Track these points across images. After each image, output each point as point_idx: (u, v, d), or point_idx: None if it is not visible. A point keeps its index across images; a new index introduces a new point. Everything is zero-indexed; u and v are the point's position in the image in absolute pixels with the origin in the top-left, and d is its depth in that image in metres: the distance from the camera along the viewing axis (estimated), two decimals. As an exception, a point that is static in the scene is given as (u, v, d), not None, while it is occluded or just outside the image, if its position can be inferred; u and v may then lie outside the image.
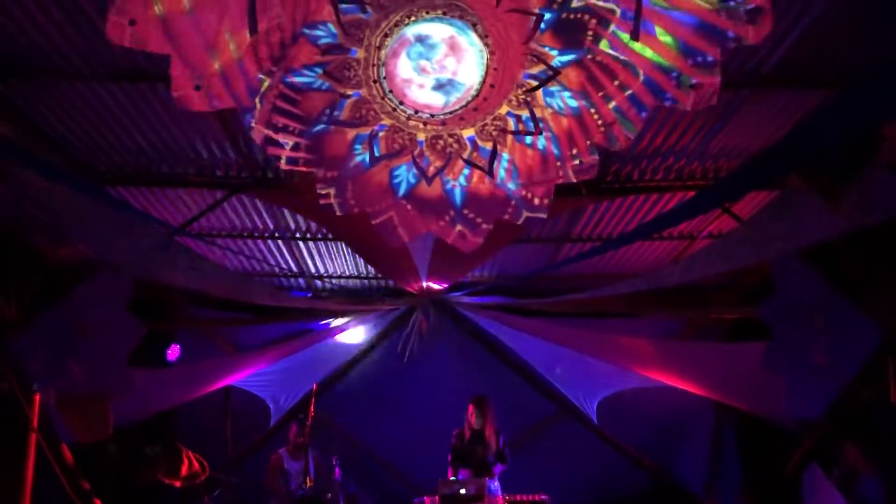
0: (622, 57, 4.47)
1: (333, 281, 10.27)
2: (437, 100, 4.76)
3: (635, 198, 7.77)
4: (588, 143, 4.90)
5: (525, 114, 4.82)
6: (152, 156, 6.96)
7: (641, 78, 4.50)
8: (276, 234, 8.82)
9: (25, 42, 5.26)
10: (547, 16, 4.31)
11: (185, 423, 9.87)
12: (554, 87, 4.72)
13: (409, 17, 4.37)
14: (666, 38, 4.29)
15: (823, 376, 5.99)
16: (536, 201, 5.25)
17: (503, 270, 10.05)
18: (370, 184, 5.22)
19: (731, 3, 4.06)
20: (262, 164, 6.99)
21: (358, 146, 5.02)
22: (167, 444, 8.62)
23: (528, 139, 4.99)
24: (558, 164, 5.04)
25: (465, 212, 5.31)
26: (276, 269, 9.85)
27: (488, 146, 4.97)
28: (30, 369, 6.42)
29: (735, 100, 6.06)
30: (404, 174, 5.16)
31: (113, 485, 8.36)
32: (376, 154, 4.97)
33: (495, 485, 7.98)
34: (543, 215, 5.34)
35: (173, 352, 9.56)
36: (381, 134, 4.93)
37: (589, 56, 4.53)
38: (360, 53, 4.50)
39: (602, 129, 4.80)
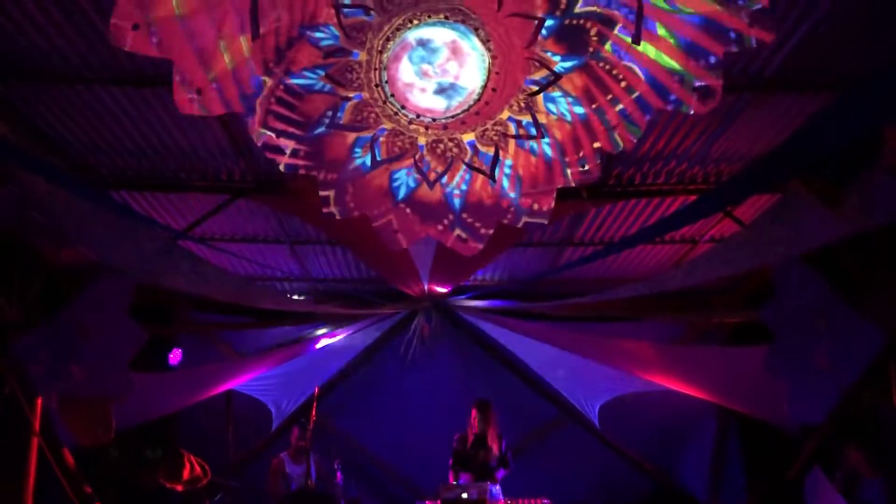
0: (625, 62, 4.47)
1: (335, 285, 10.28)
2: (438, 104, 4.75)
3: (637, 201, 7.77)
4: (590, 148, 4.89)
5: (526, 119, 4.82)
6: (155, 160, 6.97)
7: (644, 81, 4.49)
8: (279, 239, 8.84)
9: (25, 43, 5.27)
10: (549, 22, 4.31)
11: (187, 426, 9.88)
12: (555, 93, 4.72)
13: (411, 21, 4.37)
14: (669, 41, 4.29)
15: (825, 380, 5.99)
16: (537, 207, 5.24)
17: (505, 274, 10.06)
18: (370, 187, 5.21)
19: (739, 2, 4.04)
20: (265, 169, 6.99)
21: (358, 149, 5.02)
22: (169, 447, 8.62)
23: (529, 144, 4.99)
24: (559, 170, 5.04)
25: (465, 216, 5.30)
26: (279, 274, 9.86)
27: (489, 151, 4.96)
28: (31, 372, 6.43)
29: (737, 104, 6.06)
30: (404, 178, 5.16)
31: (114, 489, 8.35)
32: (377, 158, 4.97)
33: (497, 489, 7.97)
34: (545, 221, 5.34)
35: (175, 356, 9.57)
36: (381, 138, 4.93)
37: (592, 62, 4.53)
38: (361, 56, 4.49)
39: (605, 133, 4.79)
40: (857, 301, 6.01)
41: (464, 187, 5.20)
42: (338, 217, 5.23)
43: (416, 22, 4.37)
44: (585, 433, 10.95)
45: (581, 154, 4.94)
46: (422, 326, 9.92)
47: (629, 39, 4.33)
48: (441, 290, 9.31)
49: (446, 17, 4.35)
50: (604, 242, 8.86)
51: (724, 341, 9.80)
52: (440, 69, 4.62)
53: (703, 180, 7.29)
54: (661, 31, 4.28)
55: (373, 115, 4.80)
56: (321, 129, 4.88)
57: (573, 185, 5.14)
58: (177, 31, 4.19)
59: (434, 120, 4.81)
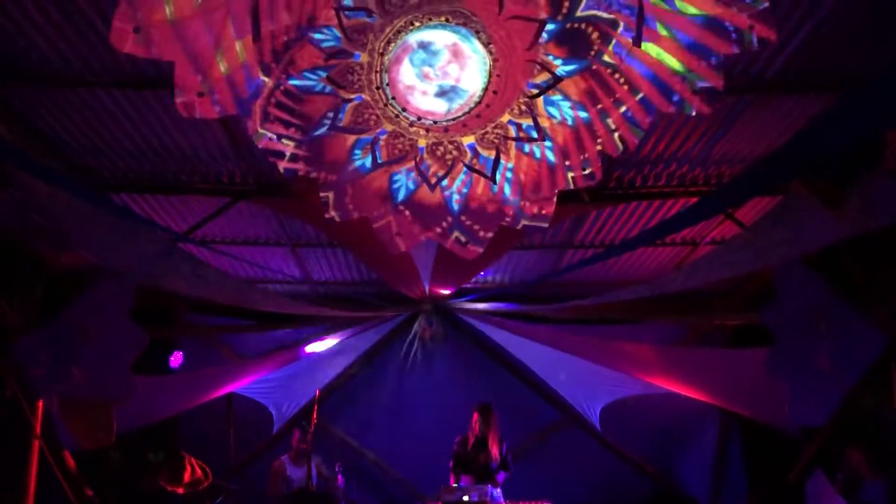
0: (627, 64, 4.47)
1: (337, 287, 10.28)
2: (439, 106, 4.75)
3: (638, 204, 7.77)
4: (592, 150, 4.88)
5: (526, 122, 4.81)
6: (156, 162, 6.97)
7: (647, 82, 4.48)
8: (280, 241, 8.84)
9: (26, 45, 5.27)
10: (551, 26, 4.30)
11: (188, 429, 9.87)
12: (556, 97, 4.72)
13: (412, 24, 4.37)
14: (671, 42, 4.28)
15: (827, 382, 5.98)
16: (537, 210, 5.24)
17: (506, 277, 10.06)
18: (369, 189, 5.21)
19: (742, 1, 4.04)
20: (266, 171, 6.99)
21: (358, 151, 5.01)
22: (170, 450, 8.62)
23: (532, 148, 4.98)
24: (560, 173, 5.03)
25: (464, 219, 5.29)
26: (279, 276, 9.85)
27: (488, 154, 4.96)
28: (32, 374, 6.43)
29: (738, 105, 6.06)
30: (403, 180, 5.15)
31: (116, 491, 8.36)
32: (378, 160, 4.97)
33: (497, 492, 7.96)
34: (545, 224, 5.33)
35: (176, 359, 9.56)
36: (381, 140, 4.93)
37: (594, 66, 4.52)
38: (363, 58, 4.49)
39: (607, 136, 4.78)
40: (858, 303, 6.01)
41: (464, 190, 5.19)
42: (337, 219, 5.22)
43: (417, 24, 4.37)
44: (586, 436, 10.94)
45: (583, 157, 4.93)
46: (423, 329, 9.93)
47: (630, 42, 4.33)
48: (442, 292, 9.32)
49: (447, 20, 4.35)
50: (605, 245, 8.86)
51: (725, 343, 9.79)
52: (441, 72, 4.61)
53: (704, 182, 7.29)
54: (662, 32, 4.27)
55: (373, 116, 4.80)
56: (321, 131, 4.87)
57: (572, 187, 5.14)
58: (177, 35, 4.19)
59: (435, 122, 4.80)
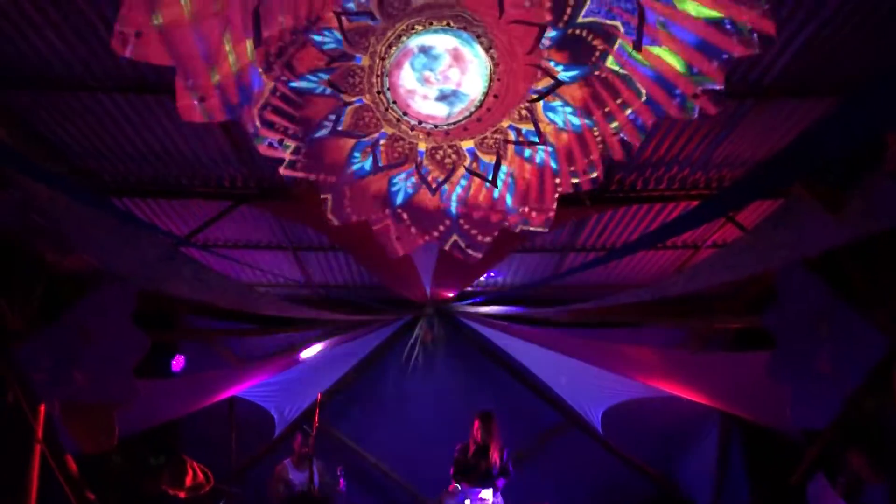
0: (631, 66, 4.46)
1: (338, 291, 10.28)
2: (440, 110, 4.75)
3: (639, 207, 7.78)
4: (596, 154, 4.87)
5: (526, 127, 4.81)
6: (157, 166, 6.98)
7: (652, 83, 4.46)
8: (281, 245, 8.84)
9: (27, 49, 5.28)
10: (553, 33, 4.30)
11: (190, 433, 9.87)
12: (556, 103, 4.72)
13: (412, 29, 4.38)
14: (675, 43, 4.27)
15: (828, 385, 5.97)
16: (536, 214, 5.23)
17: (507, 280, 10.06)
18: (368, 192, 5.20)
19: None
20: (268, 175, 7.00)
21: (357, 154, 5.01)
22: (171, 454, 8.61)
23: (536, 152, 4.97)
24: (560, 178, 5.02)
25: (463, 224, 5.29)
26: (281, 280, 9.86)
27: (487, 158, 4.96)
28: (33, 378, 6.43)
29: (739, 109, 6.07)
30: (402, 184, 5.15)
31: (117, 495, 8.36)
32: (378, 164, 4.97)
33: (498, 499, 7.99)
34: (545, 230, 5.32)
35: (178, 362, 9.57)
36: (381, 142, 4.93)
37: (596, 70, 4.52)
38: (364, 61, 4.49)
39: (611, 139, 4.77)
40: (859, 306, 6.00)
41: (463, 195, 5.19)
42: (336, 223, 5.22)
43: (419, 28, 4.37)
44: (588, 439, 10.94)
45: (588, 160, 4.92)
46: (424, 332, 9.93)
47: (630, 48, 4.33)
48: (443, 295, 9.32)
49: (449, 24, 4.36)
50: (606, 248, 8.87)
51: (726, 347, 9.79)
52: (442, 76, 4.61)
53: (706, 186, 7.29)
54: (665, 34, 4.26)
55: (373, 119, 4.80)
56: (321, 133, 4.87)
57: (572, 190, 5.13)
58: (179, 38, 4.19)
59: (436, 127, 4.81)
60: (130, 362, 6.71)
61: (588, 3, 4.19)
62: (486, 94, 4.64)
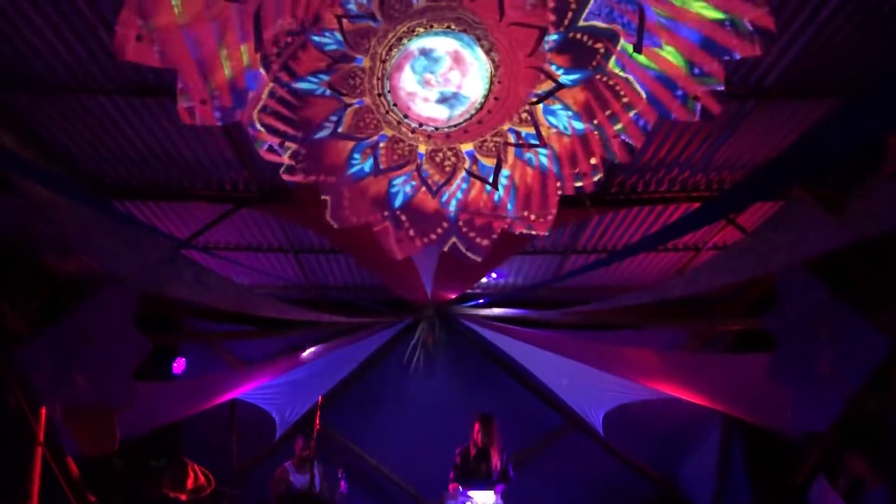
0: (633, 66, 4.45)
1: (339, 293, 10.28)
2: (441, 113, 4.74)
3: (640, 209, 7.78)
4: (599, 155, 4.86)
5: (526, 130, 4.81)
6: (158, 169, 6.98)
7: (655, 82, 4.45)
8: (283, 248, 8.84)
9: (29, 52, 5.29)
10: (554, 36, 4.30)
11: (191, 436, 9.87)
12: (557, 106, 4.71)
13: (413, 31, 4.38)
14: (678, 43, 4.27)
15: (829, 387, 5.98)
16: (536, 217, 5.22)
17: (508, 282, 10.06)
18: (367, 195, 5.20)
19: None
20: (269, 178, 7.01)
21: (356, 155, 5.00)
22: (173, 457, 8.62)
23: (537, 156, 4.97)
24: (562, 181, 5.02)
25: (462, 227, 5.28)
26: (282, 282, 9.86)
27: (487, 161, 4.95)
28: (34, 381, 6.43)
29: (740, 111, 6.07)
30: (401, 186, 5.15)
31: (119, 498, 8.35)
32: (379, 166, 4.97)
33: (498, 501, 7.98)
34: (545, 232, 5.32)
35: (179, 365, 9.57)
36: (381, 145, 4.93)
37: (597, 74, 4.51)
38: (365, 63, 4.50)
39: (614, 141, 4.77)
40: (860, 308, 6.00)
41: (462, 197, 5.19)
42: (335, 226, 5.21)
43: (420, 30, 4.38)
44: (589, 441, 10.93)
45: (591, 161, 4.90)
46: (425, 334, 9.93)
47: (632, 50, 4.32)
48: (445, 297, 9.32)
49: (450, 27, 4.36)
50: (607, 250, 8.86)
51: (727, 349, 9.78)
52: (443, 78, 4.61)
53: (706, 188, 7.29)
54: (667, 32, 4.25)
55: (374, 121, 4.80)
56: (322, 134, 4.87)
57: (577, 193, 5.13)
58: (179, 40, 4.19)
59: (437, 129, 4.81)
60: (131, 365, 6.72)
61: (590, 4, 4.19)
62: (486, 97, 4.64)
